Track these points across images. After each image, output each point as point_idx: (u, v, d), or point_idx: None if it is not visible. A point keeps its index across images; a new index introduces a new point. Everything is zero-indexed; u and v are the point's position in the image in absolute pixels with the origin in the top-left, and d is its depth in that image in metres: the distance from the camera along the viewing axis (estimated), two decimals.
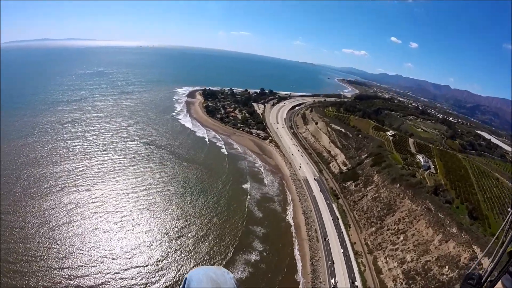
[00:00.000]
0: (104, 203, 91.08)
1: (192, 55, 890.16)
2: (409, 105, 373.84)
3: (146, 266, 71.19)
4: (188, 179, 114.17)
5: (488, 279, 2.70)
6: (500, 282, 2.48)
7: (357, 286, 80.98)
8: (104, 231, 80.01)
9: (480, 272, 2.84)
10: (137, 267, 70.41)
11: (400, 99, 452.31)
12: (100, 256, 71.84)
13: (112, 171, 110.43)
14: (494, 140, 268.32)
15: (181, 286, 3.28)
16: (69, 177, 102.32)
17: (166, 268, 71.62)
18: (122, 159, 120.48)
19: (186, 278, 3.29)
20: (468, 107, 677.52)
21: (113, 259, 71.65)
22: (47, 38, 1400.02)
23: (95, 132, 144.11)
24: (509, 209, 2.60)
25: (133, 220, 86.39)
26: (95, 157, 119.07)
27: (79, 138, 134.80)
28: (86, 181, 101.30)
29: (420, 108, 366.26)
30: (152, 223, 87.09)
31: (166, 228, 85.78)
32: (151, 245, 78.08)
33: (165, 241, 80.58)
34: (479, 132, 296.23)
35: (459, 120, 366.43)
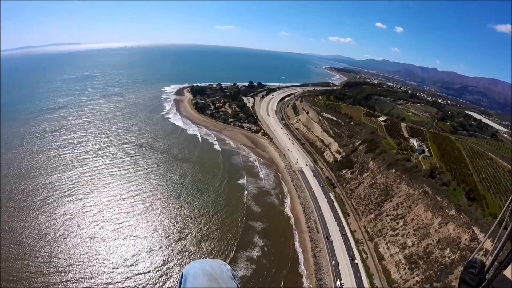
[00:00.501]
0: (100, 211, 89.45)
1: (178, 52, 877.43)
2: (398, 90, 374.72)
3: (148, 272, 70.16)
4: (184, 179, 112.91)
5: (492, 266, 2.49)
6: (510, 266, 2.28)
7: (357, 264, 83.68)
8: (102, 240, 78.59)
9: (482, 258, 2.60)
10: (138, 274, 69.37)
11: (389, 84, 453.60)
12: (100, 266, 70.63)
13: (105, 177, 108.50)
14: (484, 120, 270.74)
15: (178, 282, 3.19)
16: (62, 187, 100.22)
17: (169, 273, 70.65)
18: (114, 164, 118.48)
19: (182, 274, 3.20)
20: (456, 89, 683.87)
21: (114, 268, 70.50)
22: (30, 45, 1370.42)
23: (85, 138, 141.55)
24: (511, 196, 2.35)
25: (130, 226, 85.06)
26: (87, 164, 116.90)
27: (69, 146, 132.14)
28: (79, 189, 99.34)
29: (409, 92, 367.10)
30: (150, 227, 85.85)
31: (165, 232, 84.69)
32: (151, 251, 76.95)
33: (165, 245, 79.47)
34: (468, 112, 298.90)
35: (448, 101, 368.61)
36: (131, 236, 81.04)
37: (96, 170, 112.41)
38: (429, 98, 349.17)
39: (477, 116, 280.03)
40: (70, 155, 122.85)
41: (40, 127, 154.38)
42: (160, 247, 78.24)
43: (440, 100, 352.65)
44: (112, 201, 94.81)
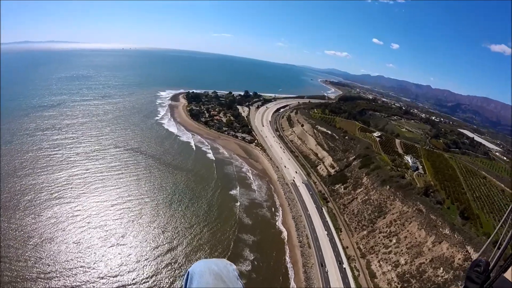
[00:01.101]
0: (87, 216, 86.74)
1: (174, 57, 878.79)
2: (393, 106, 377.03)
3: (134, 284, 67.55)
4: (175, 187, 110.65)
5: (496, 265, 2.63)
6: (510, 268, 2.42)
7: (348, 282, 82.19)
8: (88, 247, 75.42)
9: (487, 259, 2.75)
10: (123, 286, 66.64)
11: (383, 99, 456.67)
12: (84, 275, 67.86)
13: (95, 181, 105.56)
14: (477, 138, 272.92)
15: (183, 280, 3.25)
16: (50, 188, 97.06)
17: (156, 286, 68.06)
18: (105, 168, 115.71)
19: (188, 272, 3.25)
20: (449, 106, 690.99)
21: (98, 277, 67.75)
22: (28, 40, 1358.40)
23: (76, 139, 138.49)
24: None
25: (118, 234, 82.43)
26: (76, 166, 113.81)
27: (60, 146, 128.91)
28: (67, 192, 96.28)
29: (404, 108, 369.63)
30: (139, 236, 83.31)
31: (154, 242, 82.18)
32: (139, 261, 74.42)
33: (153, 256, 76.98)
34: (461, 130, 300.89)
35: (442, 119, 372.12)
36: (118, 244, 78.39)
37: (85, 173, 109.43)
38: (423, 115, 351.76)
39: (470, 134, 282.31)
40: (59, 156, 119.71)
41: (32, 124, 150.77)
42: (148, 258, 75.73)
43: (433, 117, 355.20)
44: (100, 206, 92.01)
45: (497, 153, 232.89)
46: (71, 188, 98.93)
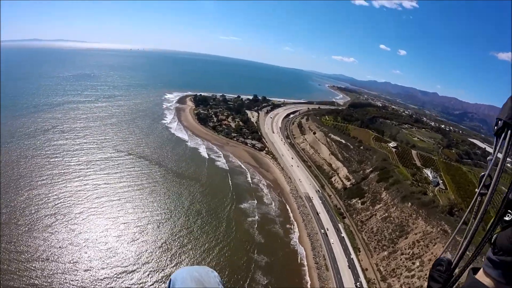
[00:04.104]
0: (85, 231, 79.71)
1: (181, 59, 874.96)
2: (403, 113, 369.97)
3: None
4: (181, 198, 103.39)
5: (459, 264, 2.63)
6: (481, 270, 2.45)
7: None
8: (85, 270, 67.85)
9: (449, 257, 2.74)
10: None
11: (393, 107, 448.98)
12: None
13: (96, 190, 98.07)
14: (488, 148, 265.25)
15: (166, 287, 3.29)
16: (47, 198, 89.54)
17: None
18: (108, 176, 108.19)
19: (170, 279, 3.31)
20: (456, 114, 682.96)
21: None
22: (37, 38, 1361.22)
23: (79, 143, 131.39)
24: (476, 189, 2.60)
25: (119, 253, 74.93)
26: (77, 173, 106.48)
27: (60, 150, 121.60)
28: (65, 203, 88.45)
29: (414, 116, 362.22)
30: (142, 257, 75.39)
31: (158, 264, 74.37)
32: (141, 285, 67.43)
33: (155, 280, 69.70)
34: (472, 140, 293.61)
35: (451, 127, 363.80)
36: (118, 266, 71.00)
37: (89, 184, 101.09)
38: (432, 123, 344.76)
39: (481, 144, 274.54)
40: (59, 161, 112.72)
41: (32, 125, 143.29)
42: (152, 285, 68.72)
43: (442, 126, 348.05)
44: (101, 220, 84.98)
45: (508, 165, 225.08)
46: (70, 198, 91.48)
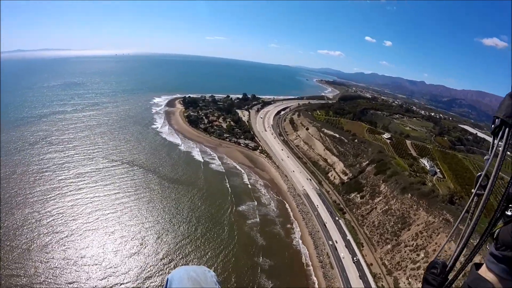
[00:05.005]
0: (82, 248, 76.64)
1: (168, 62, 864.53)
2: (393, 104, 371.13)
3: None
4: (179, 206, 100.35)
5: (455, 265, 2.61)
6: (484, 265, 2.42)
7: None
8: None
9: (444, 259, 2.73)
10: None
11: (383, 97, 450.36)
12: None
13: (89, 203, 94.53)
14: (480, 134, 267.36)
15: (163, 286, 3.31)
16: (40, 218, 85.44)
17: None
18: (101, 188, 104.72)
19: (167, 279, 3.33)
20: (444, 101, 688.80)
21: None
22: (20, 49, 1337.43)
23: (68, 155, 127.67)
24: (472, 190, 2.57)
25: (117, 271, 71.86)
26: (68, 186, 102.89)
27: (50, 164, 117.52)
28: (57, 220, 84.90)
29: (404, 106, 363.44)
30: (142, 273, 72.35)
31: (158, 280, 71.71)
32: None
33: None
34: (463, 126, 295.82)
35: (440, 115, 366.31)
36: (119, 283, 68.07)
37: (80, 195, 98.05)
38: (422, 112, 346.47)
39: (472, 130, 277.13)
40: (49, 175, 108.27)
41: (20, 138, 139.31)
42: None
43: (432, 114, 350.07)
44: (97, 236, 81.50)
45: (500, 148, 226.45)
46: (62, 214, 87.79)
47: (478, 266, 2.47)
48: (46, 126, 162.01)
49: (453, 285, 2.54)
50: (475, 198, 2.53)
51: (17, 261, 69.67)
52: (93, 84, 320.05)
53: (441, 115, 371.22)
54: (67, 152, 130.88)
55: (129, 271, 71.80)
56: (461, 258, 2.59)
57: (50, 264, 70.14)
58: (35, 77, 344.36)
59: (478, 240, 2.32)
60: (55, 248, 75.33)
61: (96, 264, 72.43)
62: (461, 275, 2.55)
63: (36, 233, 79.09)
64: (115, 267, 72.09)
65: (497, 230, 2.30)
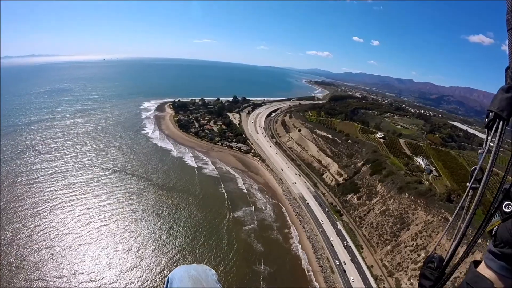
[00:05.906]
0: (75, 264, 73.68)
1: (157, 66, 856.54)
2: (383, 102, 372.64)
3: None
4: (175, 215, 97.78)
5: (452, 260, 2.60)
6: (483, 262, 2.39)
7: None
8: None
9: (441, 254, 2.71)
10: None
11: (372, 96, 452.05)
12: None
13: (81, 215, 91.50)
14: (470, 130, 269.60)
15: (164, 285, 3.36)
16: (31, 233, 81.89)
17: None
18: (92, 199, 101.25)
19: (168, 278, 3.36)
20: (433, 99, 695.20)
21: None
22: (7, 56, 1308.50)
23: (57, 164, 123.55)
24: (467, 184, 2.56)
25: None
26: (60, 200, 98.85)
27: (39, 174, 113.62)
28: (47, 234, 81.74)
29: (394, 104, 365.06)
30: (141, 283, 70.48)
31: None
32: None
33: None
34: (453, 123, 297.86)
35: (430, 112, 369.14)
36: None
37: (70, 207, 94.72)
38: (412, 110, 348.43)
39: (462, 126, 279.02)
40: (39, 187, 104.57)
41: (7, 148, 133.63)
42: None
43: (422, 111, 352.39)
44: (91, 250, 78.61)
45: (491, 144, 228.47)
46: (52, 229, 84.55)
47: (477, 263, 2.44)
48: (33, 135, 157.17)
49: (450, 279, 2.54)
50: (470, 192, 2.53)
51: (10, 280, 66.45)
52: (81, 90, 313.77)
53: (430, 112, 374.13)
54: (56, 161, 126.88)
55: (125, 286, 69.11)
56: (459, 253, 2.55)
57: (44, 283, 66.97)
58: (22, 83, 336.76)
59: (474, 234, 2.33)
60: (48, 264, 72.28)
61: (92, 281, 69.61)
62: (458, 270, 2.53)
63: (27, 250, 75.87)
64: (110, 284, 69.27)
65: (496, 227, 2.30)
